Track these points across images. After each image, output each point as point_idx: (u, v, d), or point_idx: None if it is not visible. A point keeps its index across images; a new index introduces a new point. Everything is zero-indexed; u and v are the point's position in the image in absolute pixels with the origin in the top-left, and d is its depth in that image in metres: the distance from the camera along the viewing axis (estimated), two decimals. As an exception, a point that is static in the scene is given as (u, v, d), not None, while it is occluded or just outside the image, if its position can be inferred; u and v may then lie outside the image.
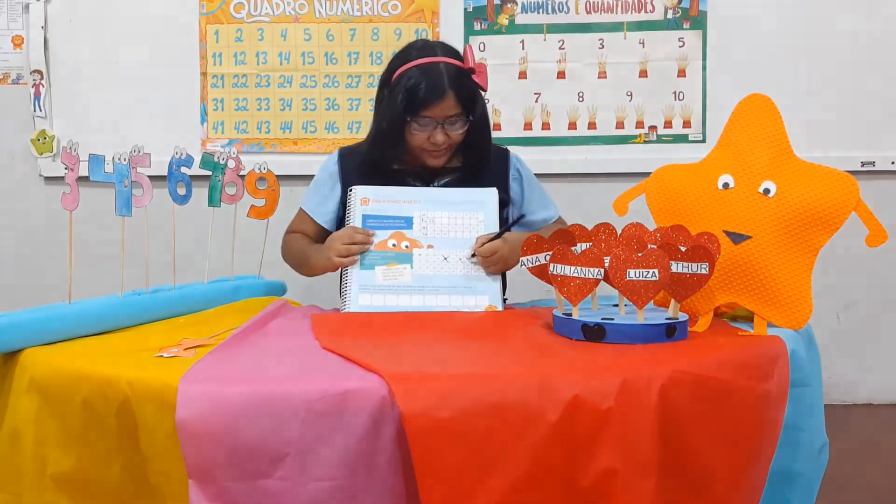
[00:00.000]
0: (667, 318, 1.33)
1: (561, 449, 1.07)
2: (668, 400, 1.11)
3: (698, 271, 1.32)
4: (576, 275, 1.34)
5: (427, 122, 1.74)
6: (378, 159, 1.82)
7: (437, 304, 1.60)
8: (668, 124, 2.73)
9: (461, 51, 1.80)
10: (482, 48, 2.72)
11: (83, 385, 1.14)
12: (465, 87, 1.75)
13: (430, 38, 2.66)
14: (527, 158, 1.97)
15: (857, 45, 2.70)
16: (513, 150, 1.96)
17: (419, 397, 1.05)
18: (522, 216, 1.81)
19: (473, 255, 1.66)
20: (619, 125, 2.74)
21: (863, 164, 2.68)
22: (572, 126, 2.74)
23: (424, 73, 1.73)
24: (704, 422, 1.15)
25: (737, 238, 1.43)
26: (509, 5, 2.71)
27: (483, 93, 1.81)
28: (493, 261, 1.66)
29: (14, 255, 2.80)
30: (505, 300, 1.70)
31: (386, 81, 1.82)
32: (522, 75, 2.73)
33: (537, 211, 1.90)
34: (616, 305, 1.39)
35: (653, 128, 2.73)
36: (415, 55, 1.77)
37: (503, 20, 2.72)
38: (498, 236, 1.68)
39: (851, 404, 2.78)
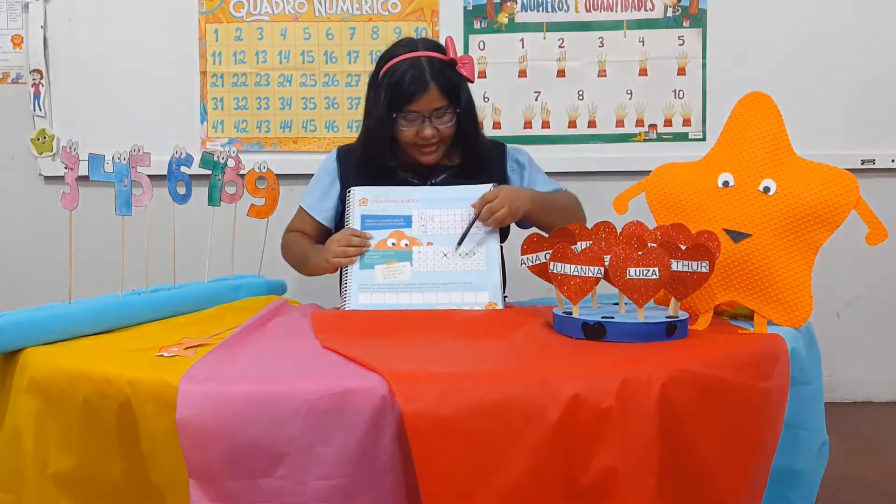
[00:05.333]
0: (667, 317, 1.33)
1: (561, 448, 1.07)
2: (669, 398, 1.11)
3: (698, 269, 1.32)
4: (576, 273, 1.34)
5: (414, 117, 1.75)
6: (371, 158, 1.82)
7: (437, 301, 1.60)
8: (667, 122, 2.73)
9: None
10: (482, 46, 2.72)
11: (83, 385, 1.14)
12: (449, 78, 1.76)
13: (429, 37, 2.65)
14: (527, 157, 1.98)
15: (858, 42, 2.69)
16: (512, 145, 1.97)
17: (419, 396, 1.05)
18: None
19: (459, 244, 1.66)
20: (619, 123, 2.74)
21: (863, 161, 2.68)
22: (572, 124, 2.74)
23: (407, 67, 1.75)
24: (705, 420, 1.15)
25: (737, 236, 1.43)
26: (509, 4, 2.71)
27: (470, 84, 1.81)
28: (498, 204, 1.67)
29: (14, 254, 2.80)
30: (505, 297, 1.70)
31: (373, 81, 1.83)
32: (522, 74, 2.73)
33: (542, 187, 1.89)
34: (616, 304, 1.39)
35: (653, 126, 2.73)
36: (398, 52, 1.78)
37: (503, 18, 2.72)
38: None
39: (852, 402, 2.78)
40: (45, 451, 1.17)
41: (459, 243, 1.67)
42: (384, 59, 1.81)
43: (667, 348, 1.26)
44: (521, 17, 2.72)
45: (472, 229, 1.68)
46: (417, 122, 1.76)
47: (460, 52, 1.83)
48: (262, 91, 2.74)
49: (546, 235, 1.51)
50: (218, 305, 1.62)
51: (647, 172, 1.62)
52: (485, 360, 1.26)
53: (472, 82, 1.81)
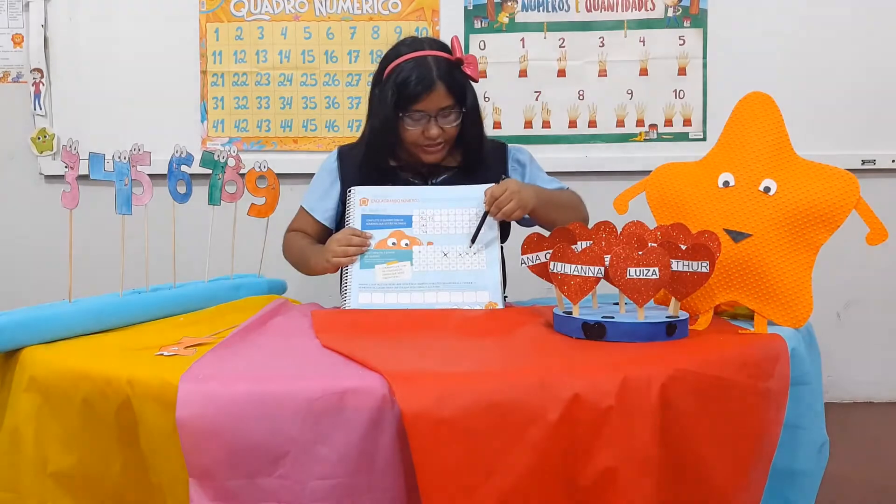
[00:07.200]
0: (667, 317, 1.33)
1: (561, 448, 1.07)
2: (669, 399, 1.11)
3: (699, 269, 1.32)
4: (576, 273, 1.34)
5: (419, 117, 1.75)
6: (374, 158, 1.82)
7: (438, 301, 1.60)
8: (668, 122, 2.73)
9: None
10: (482, 46, 2.72)
11: (83, 384, 1.14)
12: (455, 78, 1.76)
13: (430, 36, 2.65)
14: (527, 157, 1.97)
15: (857, 42, 2.69)
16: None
17: (419, 396, 1.05)
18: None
19: (472, 241, 1.66)
20: (620, 123, 2.74)
21: (863, 162, 2.68)
22: (573, 124, 2.74)
23: (413, 67, 1.74)
24: (705, 420, 1.15)
25: (737, 236, 1.43)
26: (509, 3, 2.71)
27: (474, 84, 1.81)
28: (506, 198, 1.66)
29: (14, 253, 2.80)
30: (505, 297, 1.70)
31: (377, 80, 1.83)
32: (523, 73, 2.73)
33: (544, 186, 1.88)
34: (616, 304, 1.39)
35: (653, 126, 2.73)
36: (403, 51, 1.77)
37: (503, 18, 2.72)
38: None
39: (852, 402, 2.78)
40: (44, 451, 1.17)
41: (473, 241, 1.67)
42: (389, 58, 1.81)
43: (667, 348, 1.26)
44: (521, 17, 2.72)
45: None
46: (423, 122, 1.76)
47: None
48: (263, 90, 2.74)
49: (547, 234, 1.51)
50: (218, 305, 1.62)
51: (647, 172, 1.62)
52: (485, 360, 1.26)
53: (477, 82, 1.81)
